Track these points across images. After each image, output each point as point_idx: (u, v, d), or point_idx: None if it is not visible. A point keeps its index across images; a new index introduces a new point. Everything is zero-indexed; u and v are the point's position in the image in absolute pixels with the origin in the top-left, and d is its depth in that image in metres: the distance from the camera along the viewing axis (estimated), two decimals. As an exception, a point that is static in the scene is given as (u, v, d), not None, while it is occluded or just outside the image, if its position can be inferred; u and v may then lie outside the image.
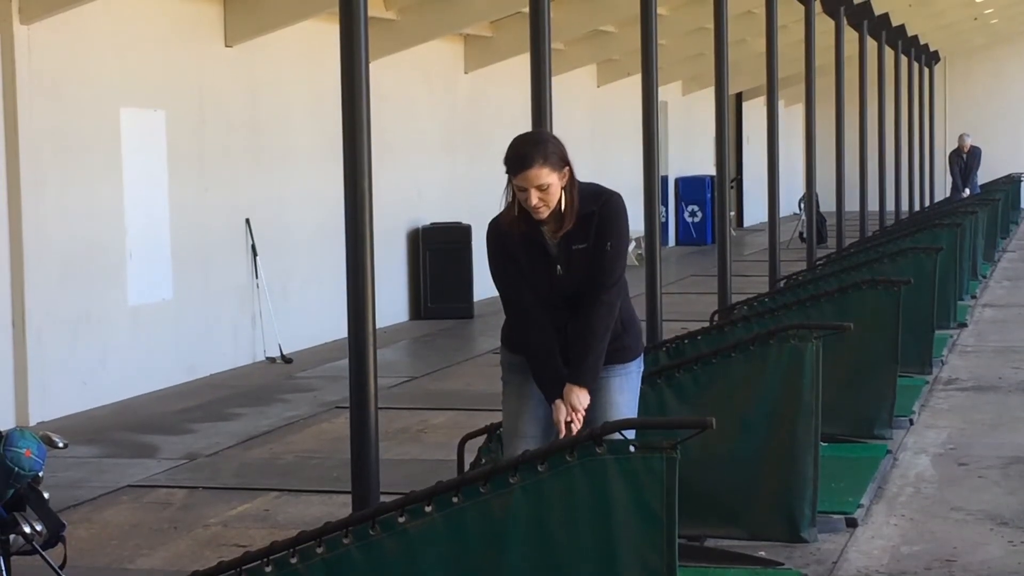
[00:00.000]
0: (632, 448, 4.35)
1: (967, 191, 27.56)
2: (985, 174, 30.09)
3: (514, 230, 5.36)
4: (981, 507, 7.66)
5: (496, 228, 5.43)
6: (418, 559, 4.31)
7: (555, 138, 5.41)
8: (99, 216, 11.55)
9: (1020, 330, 14.95)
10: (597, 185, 5.48)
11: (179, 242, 12.55)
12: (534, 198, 5.24)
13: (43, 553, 5.02)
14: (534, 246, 5.38)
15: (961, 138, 28.74)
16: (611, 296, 5.36)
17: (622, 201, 5.44)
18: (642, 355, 5.66)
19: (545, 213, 5.30)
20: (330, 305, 13.64)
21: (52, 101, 10.99)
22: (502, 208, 5.42)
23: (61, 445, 5.16)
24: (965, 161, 28.33)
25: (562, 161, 5.29)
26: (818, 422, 6.86)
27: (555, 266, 5.38)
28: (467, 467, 5.95)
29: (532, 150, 5.27)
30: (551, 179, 5.25)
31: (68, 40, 11.16)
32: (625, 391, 5.51)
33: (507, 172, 5.30)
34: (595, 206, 5.35)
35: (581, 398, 5.32)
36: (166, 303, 12.39)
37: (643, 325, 6.44)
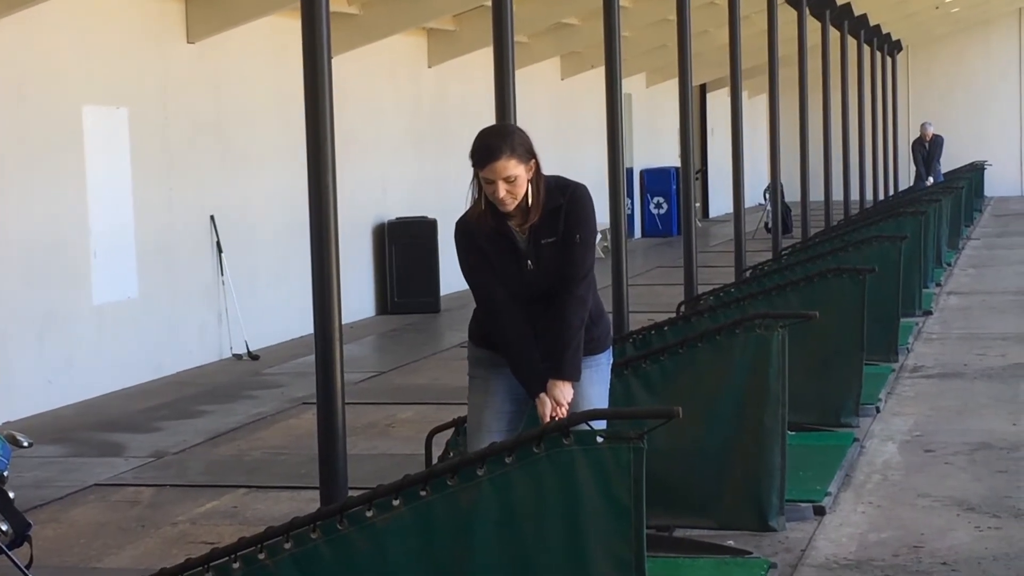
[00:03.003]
0: (599, 438, 4.36)
1: (930, 179, 27.65)
2: (948, 162, 30.20)
3: (482, 225, 5.34)
4: (948, 493, 7.70)
5: (464, 225, 5.40)
6: (387, 553, 4.31)
7: (521, 130, 5.39)
8: (62, 215, 11.49)
9: (984, 317, 15.03)
10: (562, 178, 5.46)
11: (144, 240, 12.50)
12: (501, 190, 5.23)
13: (9, 553, 5.00)
14: (503, 241, 5.35)
15: (923, 127, 28.82)
16: (583, 289, 5.34)
17: (588, 193, 5.43)
18: (611, 347, 5.67)
19: (512, 206, 5.28)
20: (296, 301, 13.59)
21: (13, 99, 10.92)
22: (468, 204, 5.40)
23: (26, 444, 5.14)
24: (928, 149, 28.42)
25: (528, 153, 5.28)
26: (785, 411, 6.88)
27: (525, 261, 5.35)
28: (435, 460, 5.95)
29: (499, 142, 5.25)
30: (518, 171, 5.23)
31: (29, 38, 11.09)
32: (596, 383, 5.52)
33: (473, 165, 5.27)
34: (562, 199, 5.34)
35: (565, 392, 5.30)
36: (131, 301, 12.33)
37: (610, 317, 6.46)
